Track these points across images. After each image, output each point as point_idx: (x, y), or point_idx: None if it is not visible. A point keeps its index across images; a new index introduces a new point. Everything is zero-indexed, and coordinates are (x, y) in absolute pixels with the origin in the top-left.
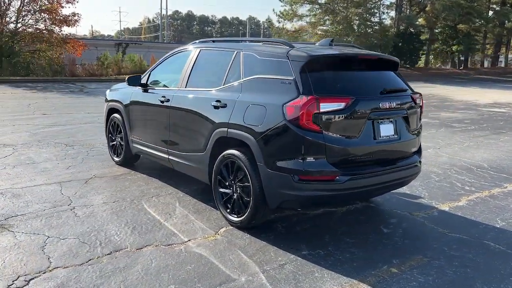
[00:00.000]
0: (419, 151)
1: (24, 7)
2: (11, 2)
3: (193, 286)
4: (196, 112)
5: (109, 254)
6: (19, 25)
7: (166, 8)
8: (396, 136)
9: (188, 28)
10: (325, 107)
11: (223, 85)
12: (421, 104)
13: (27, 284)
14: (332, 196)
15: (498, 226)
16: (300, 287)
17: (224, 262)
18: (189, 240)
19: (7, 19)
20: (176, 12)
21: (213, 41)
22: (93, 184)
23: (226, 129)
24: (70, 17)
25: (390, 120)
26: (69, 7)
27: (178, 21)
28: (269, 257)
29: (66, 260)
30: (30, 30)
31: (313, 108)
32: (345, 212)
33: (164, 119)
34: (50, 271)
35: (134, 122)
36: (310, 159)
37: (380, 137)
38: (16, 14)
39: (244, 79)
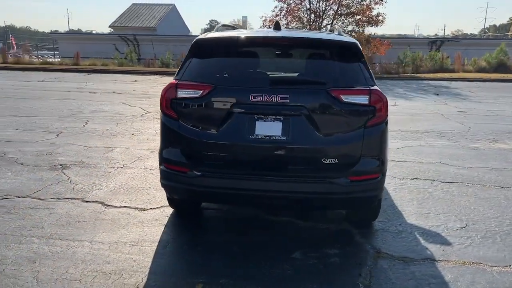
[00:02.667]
0: (350, 165)
1: (338, 11)
2: (329, 8)
3: (45, 235)
4: None
5: (42, 199)
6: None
7: None
8: (284, 137)
9: None
10: (182, 93)
11: None
12: (367, 104)
13: None
14: (187, 191)
15: None
16: (109, 262)
17: (102, 228)
18: (123, 207)
19: (319, 24)
20: None
21: None
22: None
23: None
24: (374, 17)
25: (277, 117)
26: (377, 8)
27: None
28: (134, 236)
29: (21, 191)
30: None
31: (171, 94)
32: (303, 227)
33: None
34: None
35: None
36: (169, 147)
37: (254, 135)
38: (331, 19)
39: None
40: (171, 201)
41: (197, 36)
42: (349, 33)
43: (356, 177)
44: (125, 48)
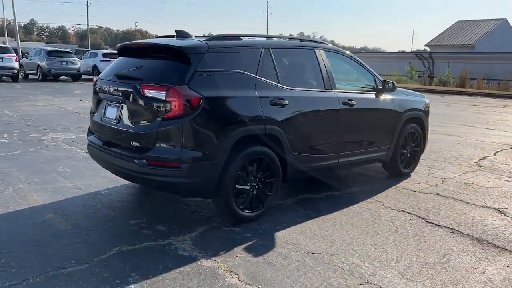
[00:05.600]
0: (147, 150)
1: None
2: None
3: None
4: None
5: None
6: None
7: None
8: (116, 121)
9: None
10: (97, 83)
11: None
12: (163, 99)
13: None
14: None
15: None
16: (62, 194)
17: (90, 177)
18: None
19: None
20: None
21: None
22: None
23: None
24: None
25: (116, 104)
26: None
27: None
28: (94, 185)
29: None
30: None
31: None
32: (177, 207)
33: None
34: None
35: None
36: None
37: (105, 117)
38: None
39: None
40: None
41: None
42: None
43: (153, 161)
44: (422, 67)
